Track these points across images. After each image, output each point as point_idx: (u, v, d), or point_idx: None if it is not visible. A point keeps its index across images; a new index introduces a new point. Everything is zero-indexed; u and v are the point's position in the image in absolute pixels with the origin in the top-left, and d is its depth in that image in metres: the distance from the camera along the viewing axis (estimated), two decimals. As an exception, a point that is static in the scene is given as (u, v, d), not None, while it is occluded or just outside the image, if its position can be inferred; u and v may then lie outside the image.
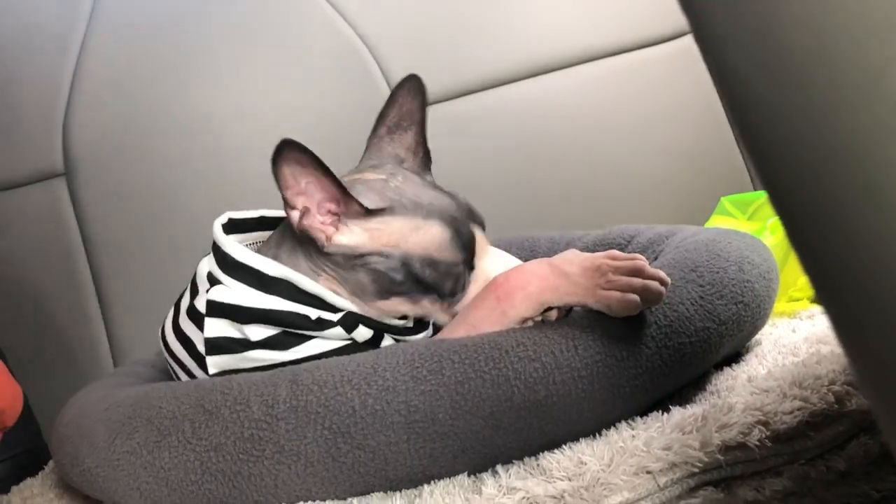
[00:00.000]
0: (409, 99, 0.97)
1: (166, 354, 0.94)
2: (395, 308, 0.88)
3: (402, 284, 0.86)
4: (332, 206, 0.86)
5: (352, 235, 0.87)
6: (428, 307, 0.88)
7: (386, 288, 0.87)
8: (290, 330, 0.85)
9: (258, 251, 0.91)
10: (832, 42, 0.33)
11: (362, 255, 0.86)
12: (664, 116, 1.48)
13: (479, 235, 0.90)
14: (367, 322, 0.87)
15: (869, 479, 0.67)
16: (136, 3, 1.46)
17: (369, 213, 0.86)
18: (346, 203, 0.85)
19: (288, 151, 0.81)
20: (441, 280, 0.86)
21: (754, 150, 0.38)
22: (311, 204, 0.85)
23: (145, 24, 1.46)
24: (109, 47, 1.44)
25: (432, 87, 1.45)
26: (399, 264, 0.86)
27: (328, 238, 0.86)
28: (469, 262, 0.88)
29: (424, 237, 0.87)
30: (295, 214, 0.85)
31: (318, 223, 0.86)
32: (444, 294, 0.87)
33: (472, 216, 0.91)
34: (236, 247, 0.88)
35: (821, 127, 0.34)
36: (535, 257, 0.97)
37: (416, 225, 0.87)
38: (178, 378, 0.93)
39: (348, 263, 0.87)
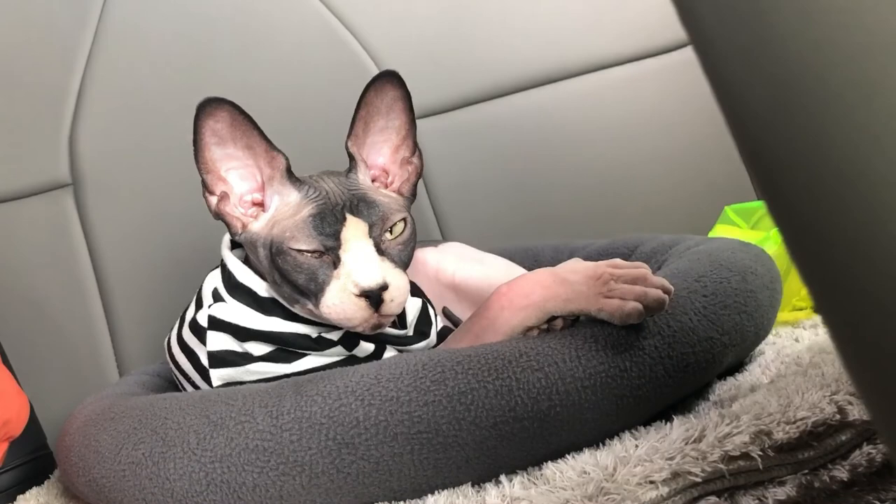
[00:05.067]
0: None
1: (171, 366, 0.95)
2: (309, 314, 0.85)
3: (281, 278, 0.83)
4: (257, 196, 0.87)
5: (262, 223, 0.86)
6: (315, 313, 0.82)
7: (277, 283, 0.84)
8: (291, 349, 0.85)
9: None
10: (830, 57, 0.33)
11: (256, 239, 0.85)
12: (668, 126, 1.48)
13: (353, 226, 0.83)
14: (368, 336, 0.86)
15: (872, 489, 0.66)
16: (143, 14, 1.47)
17: (290, 174, 0.86)
18: (274, 163, 0.85)
19: (206, 115, 0.81)
20: (295, 272, 0.82)
21: (753, 162, 0.39)
22: (230, 190, 0.86)
23: (152, 36, 1.46)
24: (116, 59, 1.45)
25: (436, 97, 1.47)
26: (268, 245, 0.84)
27: (244, 226, 0.87)
28: (334, 253, 0.82)
29: (291, 216, 0.84)
30: (212, 200, 0.86)
31: (236, 210, 0.87)
32: (308, 291, 0.81)
33: (355, 207, 0.84)
34: (238, 266, 0.88)
35: (818, 140, 0.34)
36: (539, 266, 0.97)
37: (296, 203, 0.85)
38: (184, 389, 0.93)
39: (263, 255, 0.85)
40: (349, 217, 0.83)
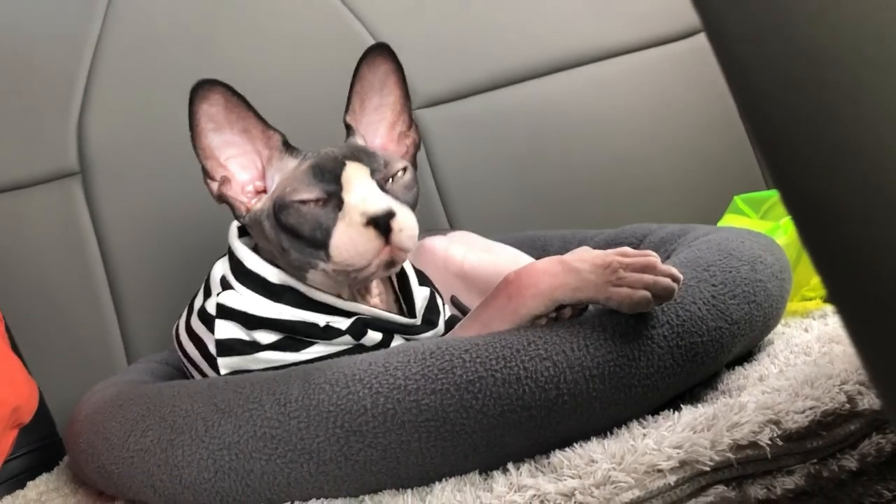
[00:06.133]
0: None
1: (180, 353, 0.95)
2: (323, 282, 0.85)
3: (288, 239, 0.83)
4: (258, 184, 0.88)
5: (265, 201, 0.87)
6: (330, 272, 0.82)
7: (285, 250, 0.84)
8: (299, 337, 0.85)
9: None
10: (845, 41, 0.33)
11: (260, 214, 0.86)
12: (677, 115, 1.47)
13: (354, 168, 0.83)
14: (376, 325, 0.86)
15: (881, 479, 0.67)
16: (151, 2, 1.47)
17: (287, 147, 0.87)
18: (271, 142, 0.87)
19: (200, 98, 0.82)
20: (300, 223, 0.81)
21: (766, 148, 0.38)
22: (232, 176, 0.87)
23: (160, 23, 1.47)
24: (124, 46, 1.45)
25: (444, 86, 1.46)
26: (271, 211, 0.84)
27: (248, 209, 0.88)
28: (337, 197, 0.82)
29: (291, 175, 0.85)
30: (214, 185, 0.87)
31: (239, 193, 0.88)
32: (316, 242, 0.80)
33: (354, 156, 0.84)
34: (247, 254, 0.88)
35: (833, 126, 0.34)
36: (547, 255, 0.97)
37: (295, 167, 0.86)
38: (192, 376, 0.94)
39: (269, 226, 0.85)
40: (349, 163, 0.83)
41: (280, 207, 0.83)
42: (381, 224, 0.78)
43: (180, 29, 1.47)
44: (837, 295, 0.38)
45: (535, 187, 1.47)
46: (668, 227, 1.10)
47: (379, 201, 0.79)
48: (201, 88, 0.82)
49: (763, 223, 1.18)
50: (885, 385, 0.37)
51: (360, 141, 0.91)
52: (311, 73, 1.46)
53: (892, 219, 0.33)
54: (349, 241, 0.79)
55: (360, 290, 0.89)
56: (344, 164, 0.83)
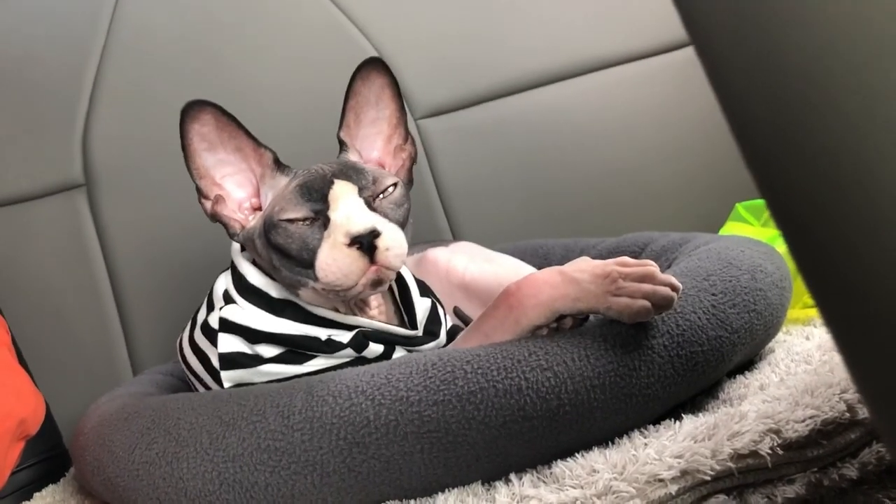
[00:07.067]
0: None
1: (183, 366, 0.95)
2: (315, 298, 0.85)
3: (279, 258, 0.83)
4: (255, 200, 0.89)
5: (258, 218, 0.88)
6: (319, 290, 0.83)
7: (276, 268, 0.84)
8: (301, 350, 0.85)
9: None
10: (831, 68, 0.33)
11: (253, 232, 0.87)
12: (678, 123, 1.48)
13: (341, 187, 0.83)
14: (377, 337, 0.87)
15: (882, 487, 0.67)
16: (155, 15, 1.47)
17: (278, 164, 0.88)
18: (263, 160, 0.88)
19: (191, 119, 0.84)
20: (287, 243, 0.82)
21: (755, 168, 0.39)
22: (228, 196, 0.88)
23: (163, 37, 1.47)
24: (128, 59, 1.46)
25: (445, 96, 1.47)
26: (261, 230, 0.85)
27: (242, 227, 0.88)
28: (324, 215, 0.82)
29: (281, 193, 0.86)
30: (207, 204, 0.88)
31: (235, 212, 0.88)
32: (303, 262, 0.81)
33: (343, 173, 0.85)
34: (249, 268, 0.89)
35: (820, 149, 0.34)
36: (549, 264, 0.97)
37: (285, 184, 0.87)
38: (196, 389, 0.94)
39: (260, 245, 0.86)
40: (336, 181, 0.84)
41: (269, 226, 0.83)
42: (366, 243, 0.79)
43: (184, 43, 1.48)
44: (828, 314, 0.38)
45: (537, 196, 1.47)
46: (669, 235, 1.11)
47: (363, 220, 0.80)
48: (192, 109, 0.83)
49: (765, 231, 1.18)
50: (876, 402, 0.38)
51: (353, 156, 0.92)
52: (314, 86, 1.47)
53: (881, 239, 0.33)
54: (333, 262, 0.79)
55: (357, 303, 0.89)
56: (332, 183, 0.83)
